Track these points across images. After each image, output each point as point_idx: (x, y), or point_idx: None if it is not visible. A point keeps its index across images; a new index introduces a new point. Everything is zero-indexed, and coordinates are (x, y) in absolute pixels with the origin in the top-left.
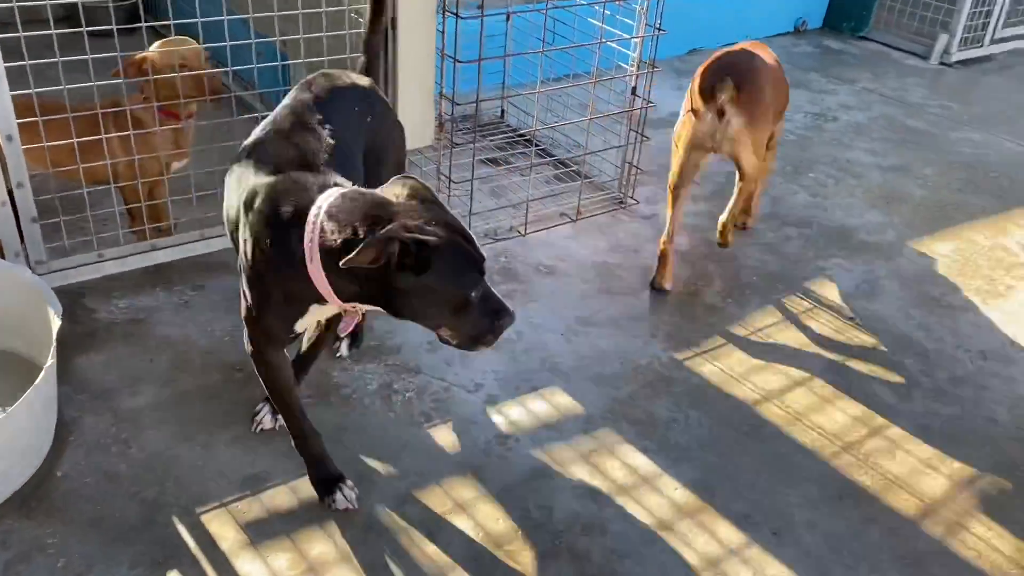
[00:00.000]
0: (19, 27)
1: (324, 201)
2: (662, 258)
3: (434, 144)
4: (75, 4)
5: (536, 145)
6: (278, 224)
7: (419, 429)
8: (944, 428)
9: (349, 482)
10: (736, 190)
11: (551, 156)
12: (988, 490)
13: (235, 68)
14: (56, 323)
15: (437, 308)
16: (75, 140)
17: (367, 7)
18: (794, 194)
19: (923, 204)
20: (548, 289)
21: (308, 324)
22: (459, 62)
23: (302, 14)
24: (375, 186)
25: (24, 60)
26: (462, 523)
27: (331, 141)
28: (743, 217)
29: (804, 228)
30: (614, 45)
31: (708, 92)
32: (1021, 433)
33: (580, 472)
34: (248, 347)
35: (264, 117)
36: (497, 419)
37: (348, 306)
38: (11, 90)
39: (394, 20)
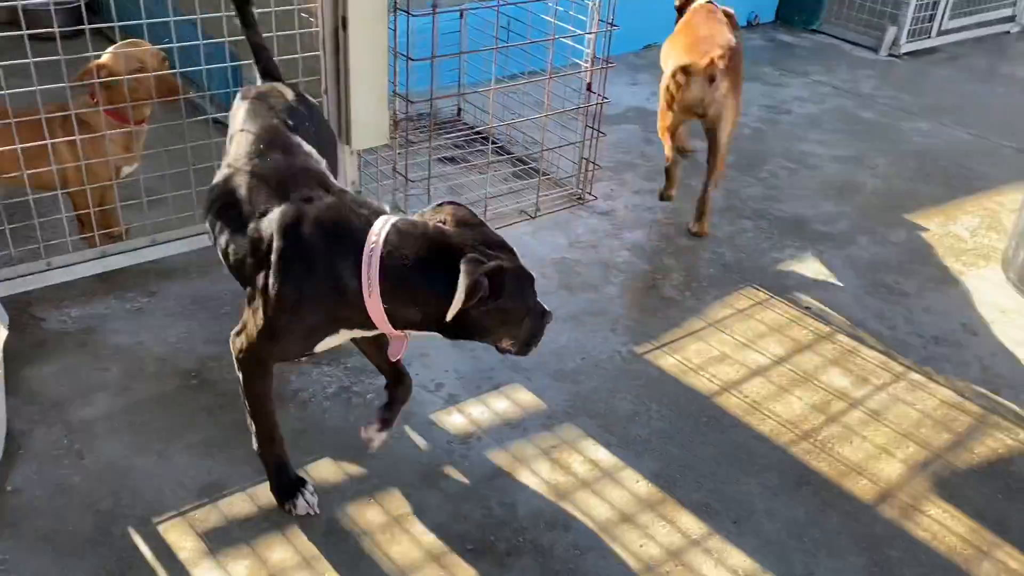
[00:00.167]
0: None
1: (379, 233)
2: (668, 175)
3: (389, 143)
4: (14, 8)
5: (493, 143)
6: (329, 255)
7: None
8: (899, 413)
9: (310, 487)
10: (711, 165)
11: (509, 153)
12: (942, 473)
13: (185, 70)
14: (2, 334)
15: (505, 325)
16: (18, 146)
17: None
18: (749, 187)
19: (875, 193)
20: None
21: (330, 345)
22: (412, 60)
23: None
24: None
25: None
26: (424, 525)
27: (322, 159)
28: (697, 227)
29: (760, 220)
30: (568, 42)
31: (700, 62)
32: (974, 416)
33: (542, 468)
34: (245, 354)
35: (215, 119)
36: (458, 418)
37: (399, 333)
38: None
39: (345, 19)
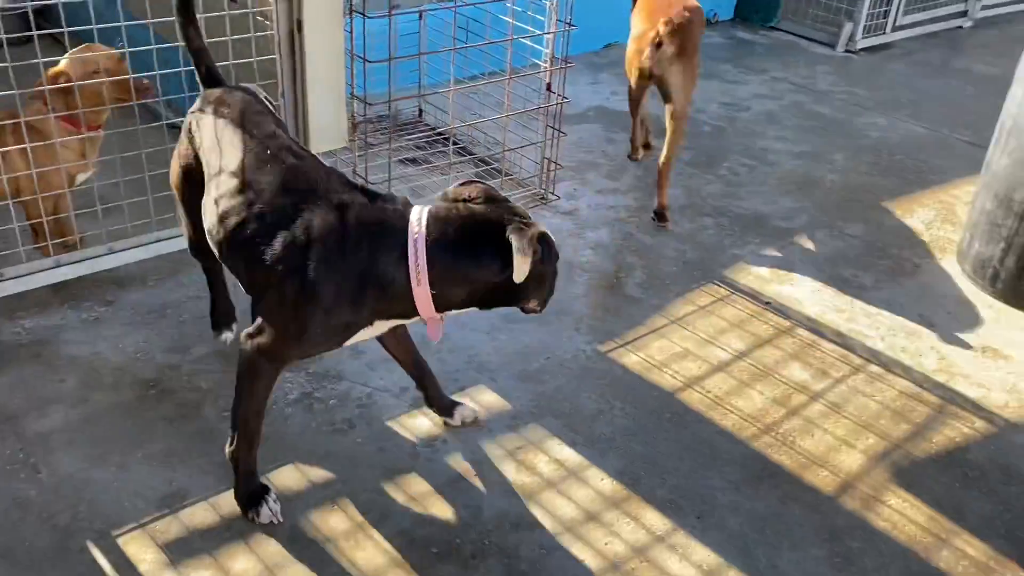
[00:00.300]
0: None
1: (420, 223)
2: (632, 139)
3: (348, 145)
4: None
5: (455, 143)
6: (373, 252)
7: (343, 436)
8: (858, 404)
9: (273, 494)
10: (668, 131)
11: (471, 154)
12: (901, 463)
13: (140, 75)
14: None
15: (540, 286)
16: None
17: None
18: (710, 184)
19: (833, 188)
20: None
21: (362, 339)
22: (369, 62)
23: (205, 18)
24: None
25: None
26: (389, 529)
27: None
28: (658, 200)
29: (720, 217)
30: (527, 42)
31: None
32: (931, 406)
33: (508, 469)
34: (264, 354)
35: (171, 124)
36: (423, 422)
37: (437, 316)
38: None
39: (300, 22)
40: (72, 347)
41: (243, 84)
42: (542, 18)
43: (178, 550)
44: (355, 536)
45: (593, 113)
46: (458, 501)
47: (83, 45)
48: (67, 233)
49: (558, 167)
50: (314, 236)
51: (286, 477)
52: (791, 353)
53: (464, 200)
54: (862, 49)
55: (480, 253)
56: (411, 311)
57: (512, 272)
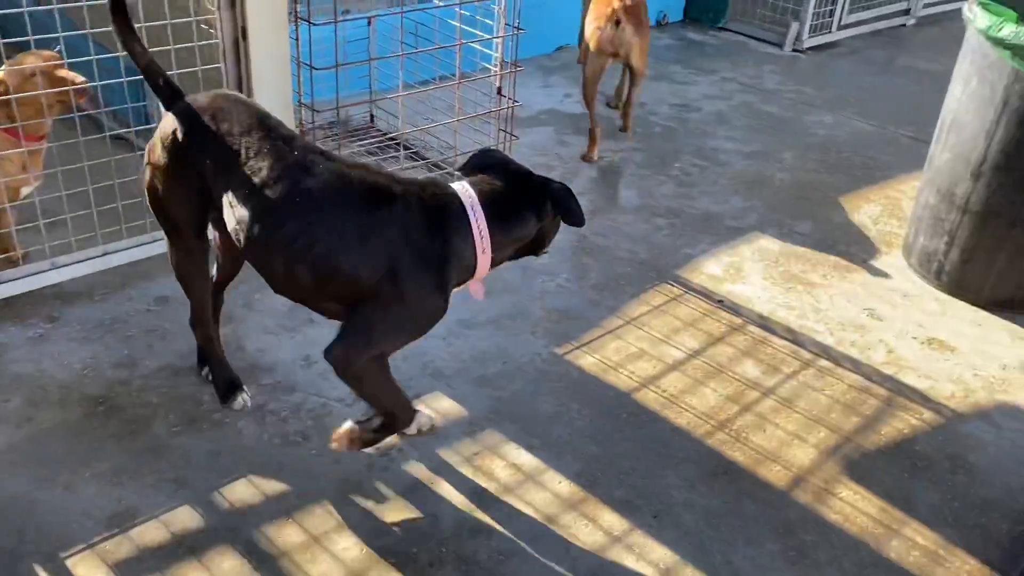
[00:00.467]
0: None
1: (468, 200)
2: (591, 138)
3: None
4: None
5: (407, 148)
6: (445, 236)
7: (296, 448)
8: (809, 399)
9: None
10: (628, 90)
11: (424, 159)
12: (852, 455)
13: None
14: None
15: (555, 230)
16: None
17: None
18: (662, 184)
19: (783, 187)
20: None
21: None
22: (316, 69)
23: (146, 27)
24: None
25: None
26: (345, 541)
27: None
28: (623, 124)
29: (673, 218)
30: (476, 46)
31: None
32: (880, 399)
33: (465, 476)
34: (366, 358)
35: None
36: None
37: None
38: None
39: (244, 30)
40: (16, 365)
41: (224, 91)
42: (491, 22)
43: (129, 570)
44: (311, 550)
45: (545, 116)
46: (415, 510)
47: (19, 54)
48: (9, 249)
49: None
50: (397, 238)
51: (239, 491)
52: (743, 350)
53: (487, 168)
54: (809, 48)
55: (525, 216)
56: (469, 277)
57: (544, 224)
